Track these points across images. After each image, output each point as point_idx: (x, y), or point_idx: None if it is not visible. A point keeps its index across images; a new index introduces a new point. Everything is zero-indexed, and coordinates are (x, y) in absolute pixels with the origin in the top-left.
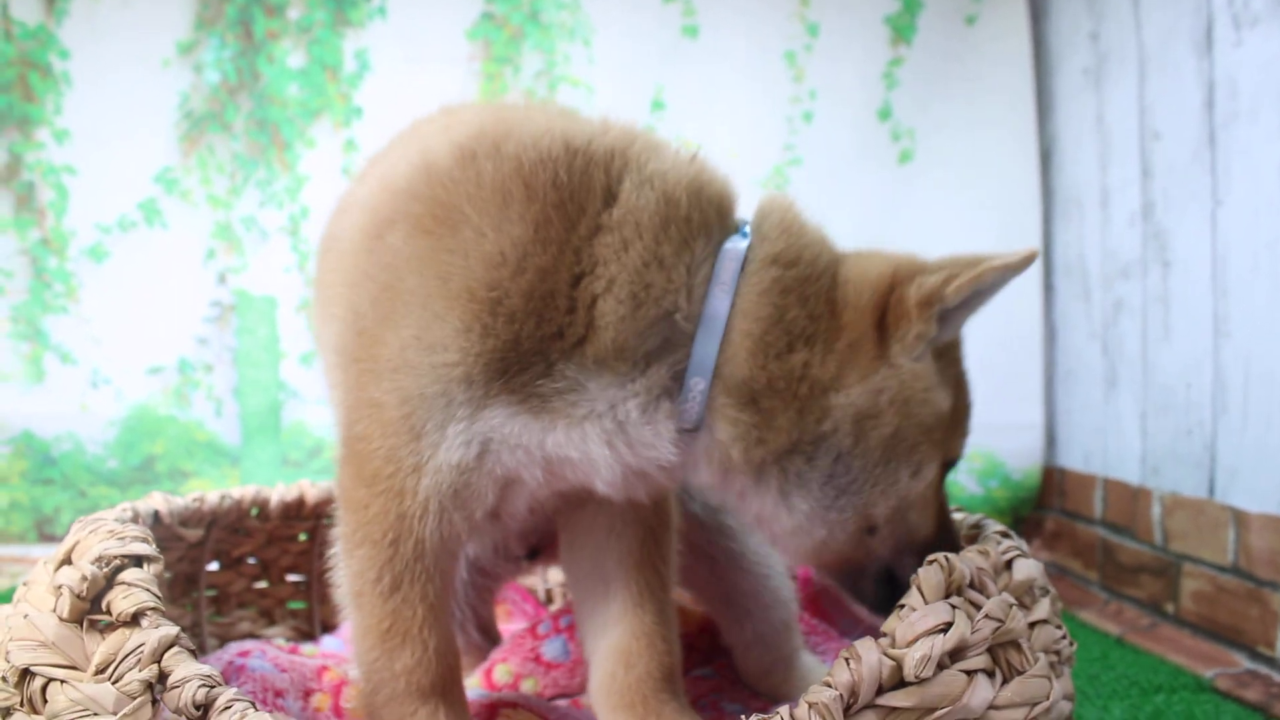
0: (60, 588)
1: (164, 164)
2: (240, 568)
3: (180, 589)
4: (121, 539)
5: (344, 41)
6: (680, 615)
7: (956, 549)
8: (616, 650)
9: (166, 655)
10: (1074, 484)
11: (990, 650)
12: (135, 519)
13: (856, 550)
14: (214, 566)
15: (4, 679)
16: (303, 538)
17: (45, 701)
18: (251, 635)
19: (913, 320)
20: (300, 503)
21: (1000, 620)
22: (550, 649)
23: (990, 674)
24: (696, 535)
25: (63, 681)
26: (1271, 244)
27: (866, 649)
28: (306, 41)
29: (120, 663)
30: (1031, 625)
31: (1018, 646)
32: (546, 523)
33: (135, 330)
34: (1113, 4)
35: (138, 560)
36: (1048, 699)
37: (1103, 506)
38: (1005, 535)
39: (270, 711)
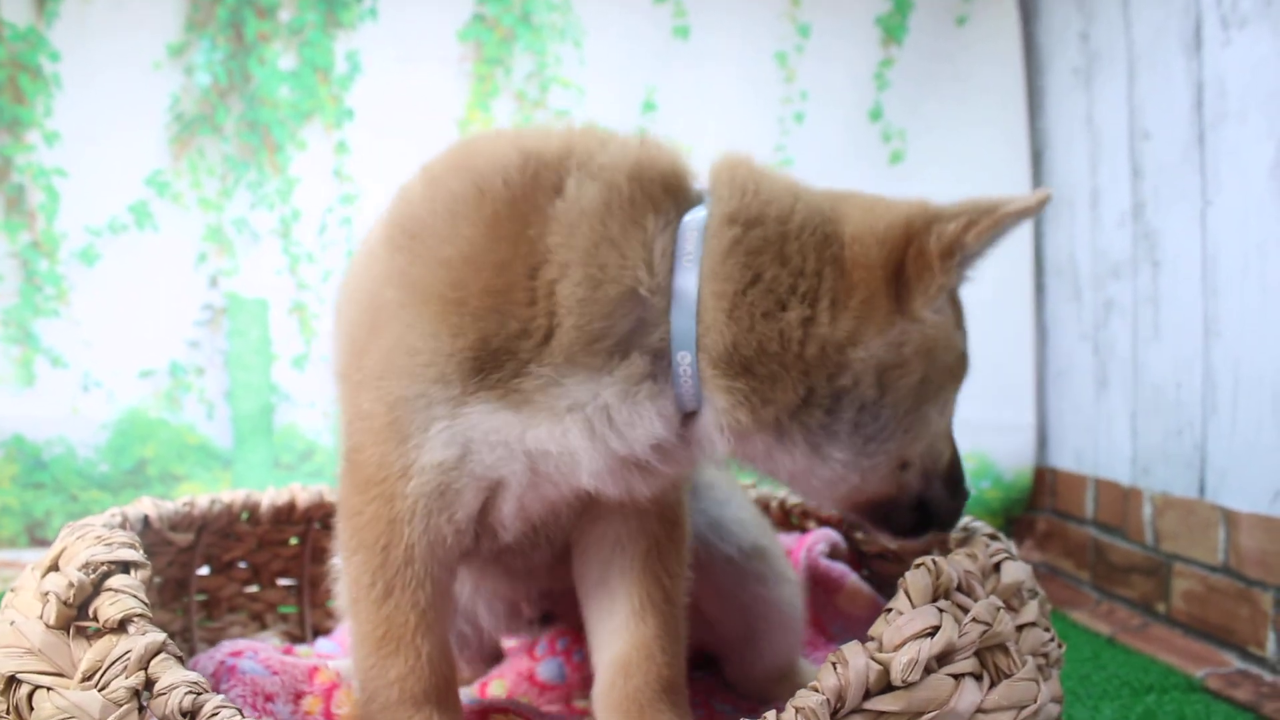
0: (47, 594)
1: (155, 166)
2: (231, 572)
3: (170, 594)
4: (109, 545)
5: (335, 43)
6: None
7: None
8: (617, 661)
9: (153, 662)
10: (1065, 484)
11: (978, 653)
12: (124, 524)
13: (892, 487)
14: (204, 571)
15: None
16: (294, 542)
17: (31, 709)
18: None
19: (935, 273)
20: (291, 507)
21: (988, 623)
22: (545, 670)
23: (978, 677)
24: (728, 580)
25: (49, 689)
26: (1261, 244)
27: (854, 653)
28: (297, 43)
29: (107, 670)
30: (1019, 628)
31: (1005, 650)
32: (559, 581)
33: (126, 333)
34: (1102, 4)
35: (125, 566)
36: (1035, 702)
37: (1094, 507)
38: (994, 538)
39: (259, 718)
